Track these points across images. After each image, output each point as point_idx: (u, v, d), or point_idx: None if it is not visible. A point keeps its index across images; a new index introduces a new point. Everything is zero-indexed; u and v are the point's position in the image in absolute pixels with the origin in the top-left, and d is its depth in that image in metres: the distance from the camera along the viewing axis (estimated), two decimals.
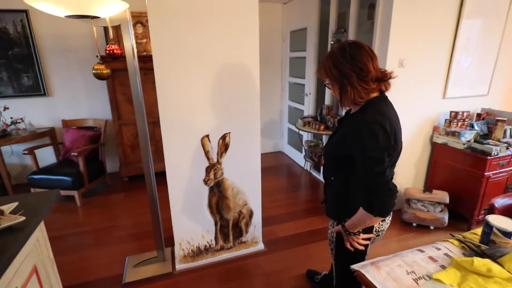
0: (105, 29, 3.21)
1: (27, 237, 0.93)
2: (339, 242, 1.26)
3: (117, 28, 3.23)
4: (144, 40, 3.41)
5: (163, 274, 2.05)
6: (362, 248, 1.20)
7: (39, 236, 1.09)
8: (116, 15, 1.61)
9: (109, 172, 3.68)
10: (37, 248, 1.07)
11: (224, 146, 1.97)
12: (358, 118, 1.06)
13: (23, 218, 0.94)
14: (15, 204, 1.02)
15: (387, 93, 1.16)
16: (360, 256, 1.25)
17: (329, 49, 3.21)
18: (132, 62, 1.75)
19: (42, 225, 1.11)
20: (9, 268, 0.85)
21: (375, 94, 1.10)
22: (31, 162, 3.08)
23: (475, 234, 1.32)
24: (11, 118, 3.16)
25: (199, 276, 2.05)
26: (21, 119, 3.18)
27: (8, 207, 0.99)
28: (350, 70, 1.03)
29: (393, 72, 1.12)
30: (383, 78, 1.08)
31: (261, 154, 2.16)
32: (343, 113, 1.33)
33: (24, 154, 2.96)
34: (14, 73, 3.23)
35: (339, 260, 1.31)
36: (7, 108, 3.14)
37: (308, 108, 3.69)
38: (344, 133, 1.13)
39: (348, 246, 1.21)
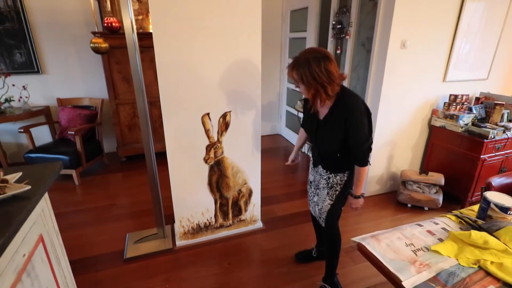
0: (100, 2, 3.10)
1: (34, 205, 0.93)
2: (346, 186, 1.55)
3: (111, 1, 3.13)
4: (140, 17, 3.31)
5: (164, 250, 2.08)
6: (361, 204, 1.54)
7: (44, 207, 1.09)
8: None
9: (106, 152, 3.66)
10: (43, 218, 1.07)
11: (224, 124, 1.97)
12: (346, 108, 1.35)
13: (29, 187, 0.94)
14: (19, 174, 1.01)
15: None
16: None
17: (330, 30, 3.16)
18: (132, 38, 1.70)
19: (46, 196, 1.11)
20: (16, 235, 0.85)
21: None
22: (27, 141, 3.04)
23: (472, 210, 1.36)
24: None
25: (199, 252, 2.09)
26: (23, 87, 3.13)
27: (12, 177, 0.98)
28: (326, 82, 1.28)
29: (345, 74, 1.46)
30: (343, 80, 1.37)
31: None
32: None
33: (20, 132, 2.92)
34: (6, 49, 3.13)
35: (339, 198, 1.58)
36: (9, 75, 3.11)
37: None
38: (340, 120, 1.37)
39: (355, 207, 1.52)
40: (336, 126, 1.39)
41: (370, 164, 1.48)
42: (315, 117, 1.51)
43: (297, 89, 1.41)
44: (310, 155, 1.75)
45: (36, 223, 1.01)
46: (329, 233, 1.67)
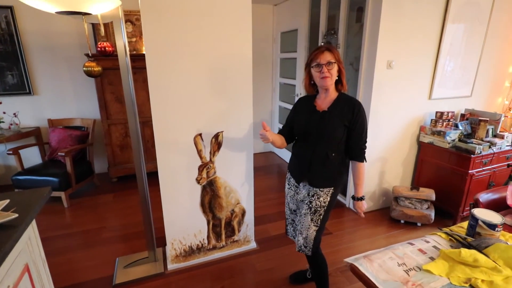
0: (94, 26, 3.16)
1: (20, 234, 0.91)
2: (330, 206, 1.55)
3: (105, 26, 3.19)
4: (134, 39, 3.38)
5: (155, 274, 2.03)
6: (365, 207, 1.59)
7: (31, 234, 1.06)
8: (108, 12, 1.59)
9: (97, 173, 3.61)
10: (29, 246, 1.04)
11: (216, 145, 1.98)
12: (353, 101, 1.46)
13: (16, 215, 0.92)
14: (6, 201, 1.00)
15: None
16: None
17: None
18: (124, 60, 1.73)
19: (33, 223, 1.09)
20: (1, 266, 0.83)
21: None
22: (15, 162, 2.99)
23: (462, 227, 1.37)
24: None
25: (191, 276, 2.04)
26: (14, 114, 3.10)
27: None
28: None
29: None
30: None
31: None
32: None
33: (9, 154, 2.87)
34: None
35: (324, 221, 1.56)
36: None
37: None
38: (346, 113, 1.44)
39: (361, 211, 1.57)
40: (344, 114, 1.44)
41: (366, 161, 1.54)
42: (312, 111, 1.51)
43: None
44: (288, 175, 1.71)
45: (22, 252, 0.99)
46: (314, 261, 1.63)
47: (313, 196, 1.53)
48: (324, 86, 1.44)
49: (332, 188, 1.52)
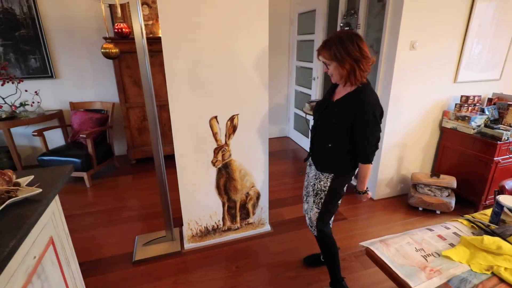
0: (111, 9, 3.17)
1: (44, 208, 0.95)
2: (331, 192, 1.52)
3: (122, 8, 3.19)
4: (150, 22, 3.37)
5: (172, 252, 2.09)
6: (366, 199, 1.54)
7: (55, 209, 1.11)
8: None
9: (117, 155, 3.71)
10: (53, 220, 1.09)
11: (232, 127, 1.97)
12: (362, 99, 1.33)
13: (40, 190, 0.96)
14: (31, 177, 1.04)
15: None
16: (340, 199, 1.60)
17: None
18: (141, 42, 1.73)
19: (57, 199, 1.13)
20: (27, 237, 0.87)
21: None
22: (40, 144, 3.11)
23: (485, 214, 1.32)
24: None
25: (207, 255, 2.09)
26: (36, 92, 3.21)
27: (24, 180, 1.01)
28: (360, 57, 1.27)
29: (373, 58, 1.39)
30: (373, 63, 1.35)
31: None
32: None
33: (34, 135, 2.99)
34: (22, 55, 3.23)
35: (326, 204, 1.56)
36: (21, 81, 3.18)
37: (315, 92, 3.65)
38: (350, 108, 1.35)
39: (362, 200, 1.53)
40: (345, 112, 1.37)
41: (372, 164, 1.45)
42: (328, 99, 1.50)
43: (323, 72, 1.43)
44: None
45: (46, 226, 1.03)
46: (320, 241, 1.68)
47: (316, 179, 1.56)
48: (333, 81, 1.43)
49: (332, 174, 1.50)
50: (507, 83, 2.87)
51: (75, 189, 3.02)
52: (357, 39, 1.28)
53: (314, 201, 1.58)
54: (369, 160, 1.42)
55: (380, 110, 1.36)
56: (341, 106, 1.40)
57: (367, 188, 1.51)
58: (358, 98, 1.34)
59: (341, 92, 1.43)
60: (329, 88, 1.56)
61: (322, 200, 1.55)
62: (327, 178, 1.51)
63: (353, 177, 1.60)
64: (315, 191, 1.57)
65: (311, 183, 1.61)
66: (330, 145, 1.46)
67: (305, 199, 1.75)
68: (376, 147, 1.41)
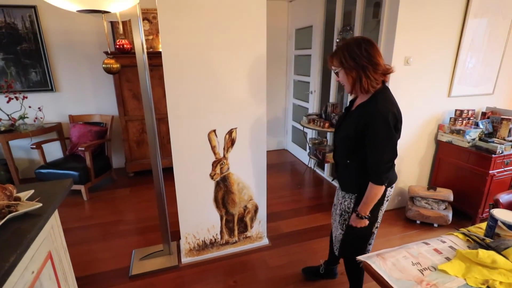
0: (112, 25, 3.24)
1: (44, 222, 0.96)
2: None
3: (124, 24, 3.26)
4: (151, 37, 3.44)
5: (169, 267, 2.08)
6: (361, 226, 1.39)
7: (54, 224, 1.12)
8: (126, 10, 1.64)
9: (114, 168, 3.71)
10: (52, 235, 1.10)
11: (230, 141, 2.00)
12: (372, 107, 1.23)
13: (40, 204, 0.97)
14: (31, 191, 1.05)
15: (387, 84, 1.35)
16: (371, 225, 1.43)
17: (334, 46, 3.22)
18: (142, 57, 1.77)
19: (56, 213, 1.14)
20: (27, 252, 0.87)
21: (379, 85, 1.28)
22: (38, 156, 3.12)
23: (480, 228, 1.34)
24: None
25: (204, 270, 2.07)
26: (39, 108, 3.22)
27: (24, 194, 1.02)
28: (366, 63, 1.20)
29: (392, 67, 1.29)
30: (387, 72, 1.27)
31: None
32: (348, 100, 1.49)
33: (32, 148, 3.00)
34: (23, 68, 3.27)
35: (353, 228, 1.42)
36: (26, 97, 3.20)
37: (312, 105, 3.70)
38: (360, 119, 1.26)
39: (354, 225, 1.39)
40: (355, 123, 1.27)
41: (385, 185, 1.29)
42: (348, 108, 1.42)
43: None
44: None
45: (45, 240, 1.04)
46: (346, 266, 1.66)
47: (342, 197, 1.47)
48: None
49: (356, 194, 1.39)
50: (500, 97, 2.93)
51: (72, 202, 3.01)
52: (366, 45, 1.20)
53: (338, 221, 1.50)
54: (381, 181, 1.25)
55: (397, 117, 1.22)
56: (352, 117, 1.31)
57: (369, 214, 1.34)
58: (368, 106, 1.24)
59: (357, 103, 1.35)
60: (351, 99, 1.47)
61: (346, 222, 1.46)
62: (351, 199, 1.42)
63: (386, 201, 1.41)
64: (340, 211, 1.48)
65: (339, 202, 1.51)
66: (348, 161, 1.36)
67: (332, 216, 1.65)
68: (391, 164, 1.26)
